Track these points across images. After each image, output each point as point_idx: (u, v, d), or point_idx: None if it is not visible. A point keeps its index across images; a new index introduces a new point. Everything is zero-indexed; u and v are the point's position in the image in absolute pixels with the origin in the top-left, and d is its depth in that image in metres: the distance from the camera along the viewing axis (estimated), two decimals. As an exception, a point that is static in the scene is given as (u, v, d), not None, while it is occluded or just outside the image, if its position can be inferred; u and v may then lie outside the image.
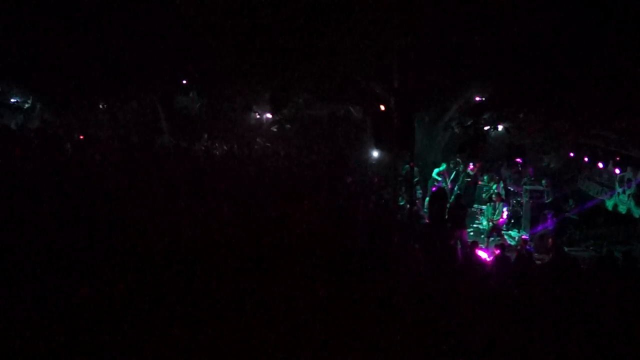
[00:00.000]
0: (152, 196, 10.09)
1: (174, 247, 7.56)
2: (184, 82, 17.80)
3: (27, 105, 20.19)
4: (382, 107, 11.36)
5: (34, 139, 16.60)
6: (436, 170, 14.39)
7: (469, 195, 13.97)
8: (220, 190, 11.16)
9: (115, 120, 18.56)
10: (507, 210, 13.17)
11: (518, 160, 14.36)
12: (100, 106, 19.26)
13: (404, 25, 11.22)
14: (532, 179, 14.15)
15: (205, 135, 15.47)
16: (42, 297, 5.87)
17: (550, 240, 12.28)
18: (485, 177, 14.59)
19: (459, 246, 11.01)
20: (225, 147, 15.20)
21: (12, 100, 19.84)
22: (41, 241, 7.25)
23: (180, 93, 18.63)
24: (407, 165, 11.20)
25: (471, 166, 14.38)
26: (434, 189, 13.73)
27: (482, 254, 10.42)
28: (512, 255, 10.77)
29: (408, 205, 11.85)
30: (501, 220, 12.81)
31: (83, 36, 15.67)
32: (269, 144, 15.32)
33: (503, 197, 13.53)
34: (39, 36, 15.79)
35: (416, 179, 14.12)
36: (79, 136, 17.71)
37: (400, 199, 12.42)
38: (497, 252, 10.39)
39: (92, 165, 13.13)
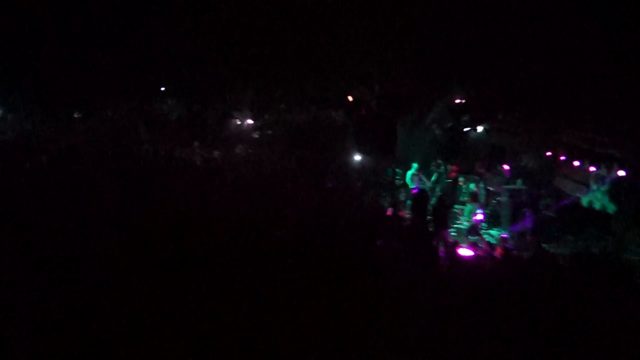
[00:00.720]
0: (129, 204, 9.95)
1: (151, 254, 7.47)
2: (162, 89, 17.66)
3: (-2, 116, 19.71)
4: (363, 111, 11.50)
5: (5, 150, 16.18)
6: (409, 174, 14.55)
7: (450, 196, 14.17)
8: (200, 196, 11.06)
9: (92, 129, 18.23)
10: (483, 211, 13.40)
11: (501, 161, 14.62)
12: (75, 115, 18.91)
13: (385, 30, 11.36)
14: (507, 178, 14.41)
15: (196, 143, 15.29)
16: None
17: (529, 237, 12.54)
18: (461, 178, 14.82)
19: (442, 246, 11.14)
20: (204, 155, 15.07)
21: (-16, 110, 19.35)
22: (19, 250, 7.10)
23: (158, 100, 18.44)
24: (391, 169, 11.33)
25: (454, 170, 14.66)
26: (414, 190, 13.89)
27: (467, 252, 10.56)
28: (494, 253, 10.98)
29: (391, 208, 11.98)
30: (476, 220, 13.02)
31: (57, 44, 15.42)
32: (250, 150, 15.26)
33: (481, 197, 13.78)
34: (10, 45, 15.48)
35: (400, 182, 14.29)
36: (53, 146, 17.35)
37: (382, 201, 12.54)
38: (474, 251, 10.59)
39: (68, 176, 12.87)
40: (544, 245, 11.85)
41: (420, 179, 14.45)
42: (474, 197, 13.36)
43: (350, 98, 13.21)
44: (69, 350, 5.13)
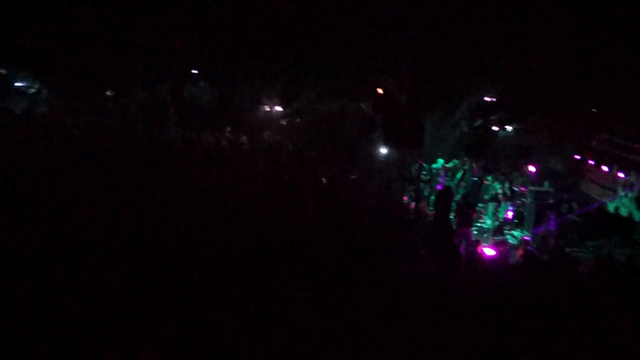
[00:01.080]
0: (158, 187, 10.11)
1: (178, 241, 7.58)
2: (194, 72, 17.81)
3: (32, 90, 20.13)
4: (380, 90, 11.45)
5: (39, 124, 16.57)
6: (433, 167, 14.66)
7: (474, 194, 14.14)
8: (227, 183, 11.19)
9: (123, 108, 18.54)
10: (512, 210, 13.34)
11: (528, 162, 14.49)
12: (108, 93, 19.23)
13: (417, 24, 11.32)
14: (533, 179, 14.27)
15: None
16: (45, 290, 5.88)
17: (552, 241, 12.46)
18: (489, 177, 14.76)
19: (464, 245, 11.18)
20: (233, 139, 15.24)
21: (18, 84, 19.77)
22: (46, 231, 7.24)
23: (190, 83, 18.61)
24: (418, 163, 11.34)
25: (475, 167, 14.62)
26: (439, 187, 13.90)
27: (490, 251, 10.59)
28: (515, 254, 10.98)
29: (414, 203, 12.01)
30: (507, 218, 12.99)
31: (92, 22, 15.66)
32: (279, 137, 15.37)
33: (508, 196, 13.74)
34: (47, 21, 15.78)
35: (427, 177, 14.30)
36: (85, 123, 17.69)
37: (407, 195, 12.59)
38: (500, 249, 10.60)
39: (99, 153, 13.12)
40: (566, 249, 11.77)
41: (446, 174, 14.49)
42: (504, 196, 13.32)
43: (379, 91, 13.20)
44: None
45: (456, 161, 14.54)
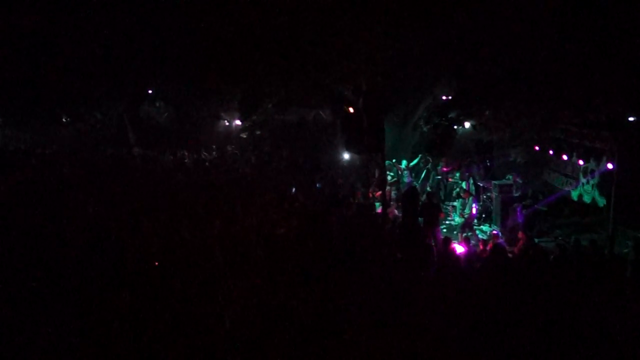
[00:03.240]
0: (123, 207, 9.87)
1: (148, 258, 7.40)
2: (150, 91, 17.51)
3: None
4: (351, 109, 11.44)
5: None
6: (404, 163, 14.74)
7: (438, 192, 14.20)
8: (191, 199, 10.97)
9: (80, 133, 18.09)
10: (477, 205, 13.42)
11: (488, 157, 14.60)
12: (64, 119, 18.77)
13: (371, 29, 11.32)
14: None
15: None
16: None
17: (520, 233, 12.56)
18: (457, 175, 14.84)
19: (434, 244, 11.14)
20: (194, 156, 14.99)
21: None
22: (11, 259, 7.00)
23: (146, 103, 18.29)
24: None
25: (446, 165, 14.67)
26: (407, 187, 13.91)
27: (459, 248, 10.57)
28: (485, 248, 10.99)
29: (382, 206, 11.96)
30: (472, 214, 13.04)
31: (44, 48, 15.28)
32: (237, 152, 15.18)
33: (472, 192, 13.83)
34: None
35: (394, 179, 14.28)
36: (42, 151, 17.21)
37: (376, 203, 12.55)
38: (466, 247, 10.60)
39: (59, 180, 12.76)
40: (535, 239, 11.87)
41: (411, 174, 14.52)
42: (465, 192, 13.39)
43: (337, 97, 13.18)
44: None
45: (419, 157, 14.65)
